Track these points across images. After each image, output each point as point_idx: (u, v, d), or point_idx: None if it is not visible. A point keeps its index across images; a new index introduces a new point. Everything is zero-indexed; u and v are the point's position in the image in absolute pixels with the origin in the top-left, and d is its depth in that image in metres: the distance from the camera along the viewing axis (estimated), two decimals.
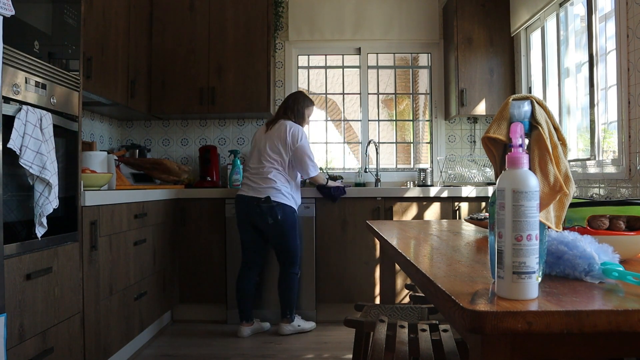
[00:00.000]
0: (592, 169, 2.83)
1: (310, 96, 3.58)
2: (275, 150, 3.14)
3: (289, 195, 3.14)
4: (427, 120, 4.34)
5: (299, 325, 3.25)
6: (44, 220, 1.80)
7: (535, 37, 3.65)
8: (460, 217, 3.47)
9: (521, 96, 1.04)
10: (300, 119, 3.26)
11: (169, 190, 3.32)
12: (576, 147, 3.16)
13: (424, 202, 3.48)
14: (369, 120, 4.26)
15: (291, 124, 3.19)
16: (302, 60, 4.31)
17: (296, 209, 3.20)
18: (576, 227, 1.16)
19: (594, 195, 2.72)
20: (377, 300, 3.45)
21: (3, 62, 1.62)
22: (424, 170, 3.97)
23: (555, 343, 0.80)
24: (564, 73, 3.23)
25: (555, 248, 0.98)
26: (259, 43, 3.78)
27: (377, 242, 3.35)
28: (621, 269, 0.91)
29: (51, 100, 1.94)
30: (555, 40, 3.29)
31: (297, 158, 3.15)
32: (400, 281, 3.38)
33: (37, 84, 1.84)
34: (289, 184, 3.16)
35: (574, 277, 0.96)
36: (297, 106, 3.25)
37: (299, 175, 3.25)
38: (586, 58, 2.89)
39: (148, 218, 2.95)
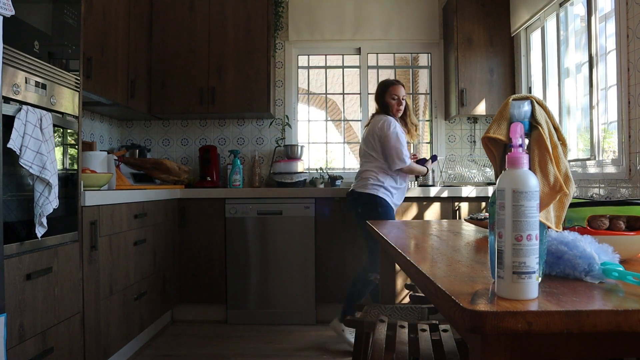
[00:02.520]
0: (592, 169, 2.83)
1: (310, 96, 3.55)
2: (369, 145, 3.09)
3: (378, 187, 3.01)
4: (427, 120, 4.34)
5: (342, 331, 3.00)
6: (44, 220, 1.80)
7: (535, 37, 3.65)
8: (460, 217, 3.47)
9: (521, 96, 1.04)
10: (386, 109, 3.09)
11: (169, 190, 3.32)
12: (576, 147, 3.16)
13: (424, 202, 3.48)
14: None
15: (380, 117, 3.08)
16: (302, 60, 4.31)
17: (389, 202, 3.01)
18: (576, 227, 1.16)
19: (594, 195, 2.72)
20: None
21: (3, 62, 1.62)
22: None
23: (555, 343, 0.80)
24: (564, 73, 3.23)
25: (555, 248, 0.98)
26: (259, 43, 3.78)
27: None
28: (621, 269, 0.91)
29: (51, 100, 1.94)
30: (555, 40, 3.29)
31: (383, 151, 3.03)
32: (400, 281, 3.38)
33: (37, 84, 1.84)
34: (385, 177, 3.04)
35: (574, 277, 0.96)
36: (377, 98, 3.14)
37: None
38: (586, 58, 2.89)
39: (148, 218, 2.95)
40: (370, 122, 3.14)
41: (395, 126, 3.01)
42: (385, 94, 3.08)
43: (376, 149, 3.03)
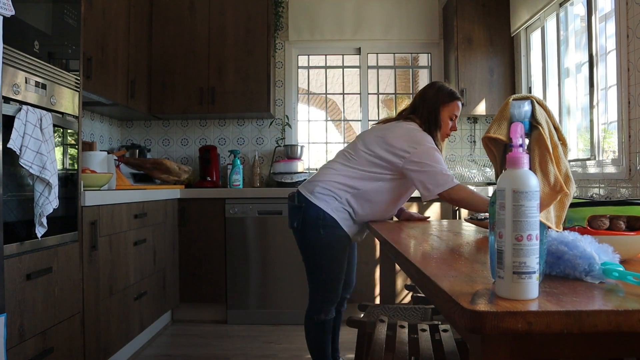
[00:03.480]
0: (592, 169, 2.83)
1: (310, 96, 3.45)
2: (370, 145, 2.27)
3: (331, 198, 2.25)
4: None
5: None
6: (44, 220, 1.80)
7: (535, 37, 3.65)
8: (460, 217, 3.46)
9: (521, 96, 1.04)
10: (433, 124, 2.20)
11: (169, 190, 3.32)
12: (576, 147, 3.16)
13: (424, 202, 3.48)
14: (369, 120, 4.26)
15: (413, 126, 2.19)
16: (302, 60, 4.31)
17: (342, 226, 2.19)
18: (576, 227, 1.16)
19: (594, 195, 2.72)
20: (377, 301, 3.45)
21: (3, 62, 1.62)
22: None
23: (555, 343, 0.80)
24: (564, 73, 3.23)
25: (555, 248, 0.98)
26: (259, 43, 3.78)
27: (377, 242, 3.35)
28: (621, 269, 0.91)
29: (51, 100, 1.94)
30: (555, 40, 3.29)
31: (406, 169, 2.14)
32: (400, 281, 3.38)
33: (37, 84, 1.84)
34: (352, 190, 2.25)
35: (574, 277, 0.96)
36: (427, 103, 2.22)
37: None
38: (586, 58, 2.89)
39: (148, 218, 2.94)
40: (389, 123, 2.21)
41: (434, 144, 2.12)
42: (445, 107, 2.16)
43: (380, 156, 2.09)
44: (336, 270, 2.14)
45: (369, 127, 2.28)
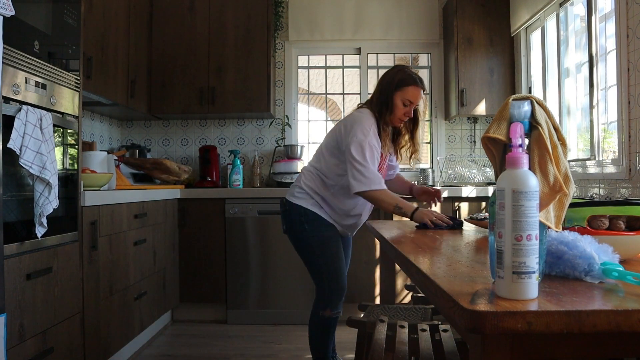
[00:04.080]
0: (592, 169, 2.83)
1: (310, 96, 3.44)
2: (329, 141, 2.38)
3: (307, 195, 2.37)
4: (427, 120, 4.33)
5: None
6: (44, 220, 1.80)
7: (535, 37, 3.65)
8: (460, 217, 3.46)
9: (521, 96, 1.04)
10: (383, 107, 2.21)
11: (169, 190, 3.32)
12: (576, 147, 3.16)
13: (424, 202, 3.48)
14: None
15: (363, 112, 2.24)
16: (302, 60, 4.31)
17: (326, 218, 2.29)
18: (576, 227, 1.16)
19: (594, 195, 2.72)
20: (377, 301, 3.45)
21: (3, 62, 1.62)
22: (424, 170, 3.97)
23: (555, 343, 0.80)
24: (564, 73, 3.23)
25: (555, 248, 0.98)
26: (259, 43, 3.78)
27: (377, 242, 3.35)
28: (621, 269, 0.91)
29: (51, 100, 1.94)
30: (555, 40, 3.29)
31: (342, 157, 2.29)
32: (400, 281, 3.38)
33: (37, 84, 1.84)
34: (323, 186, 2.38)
35: (574, 277, 0.96)
36: (381, 87, 2.25)
37: None
38: (586, 58, 2.89)
39: (148, 218, 2.94)
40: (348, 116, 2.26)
41: (372, 132, 2.12)
42: (397, 91, 2.14)
43: (336, 149, 2.19)
44: (332, 261, 2.18)
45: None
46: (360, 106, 2.28)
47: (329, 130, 2.30)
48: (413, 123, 2.28)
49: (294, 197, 2.24)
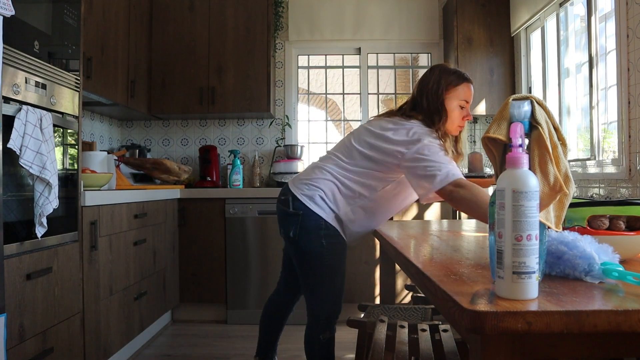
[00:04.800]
0: (592, 169, 2.83)
1: (310, 96, 3.40)
2: (363, 143, 1.99)
3: (327, 207, 1.99)
4: None
5: None
6: (44, 220, 1.80)
7: (535, 37, 3.65)
8: (460, 217, 3.46)
9: (521, 96, 1.04)
10: (436, 117, 1.87)
11: (169, 190, 3.32)
12: (576, 147, 3.16)
13: (423, 202, 3.48)
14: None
15: (413, 123, 1.86)
16: (302, 60, 4.31)
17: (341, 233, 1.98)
18: (576, 227, 1.16)
19: (594, 195, 2.72)
20: (377, 301, 3.45)
21: (3, 62, 1.62)
22: None
23: (555, 343, 0.80)
24: (564, 73, 3.23)
25: (555, 248, 0.98)
26: (259, 43, 3.78)
27: (377, 242, 3.35)
28: (621, 269, 0.91)
29: (51, 100, 1.94)
30: (555, 40, 3.29)
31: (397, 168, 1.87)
32: (400, 281, 3.38)
33: (37, 84, 1.84)
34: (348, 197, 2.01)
35: (574, 277, 0.96)
36: (428, 92, 1.89)
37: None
38: (586, 58, 2.89)
39: (148, 218, 2.94)
40: (386, 120, 1.90)
41: (437, 139, 1.79)
42: (450, 94, 1.85)
43: (375, 157, 1.83)
44: (340, 281, 1.94)
45: (365, 123, 1.99)
46: (403, 115, 1.88)
47: (361, 130, 1.93)
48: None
49: (313, 204, 1.85)
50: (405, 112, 1.90)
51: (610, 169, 2.62)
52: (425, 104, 1.84)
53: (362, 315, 1.92)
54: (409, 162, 1.73)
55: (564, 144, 1.06)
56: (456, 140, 1.93)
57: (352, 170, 1.86)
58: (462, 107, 1.84)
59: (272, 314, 2.25)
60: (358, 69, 4.27)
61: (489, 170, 4.02)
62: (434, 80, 1.85)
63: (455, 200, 1.61)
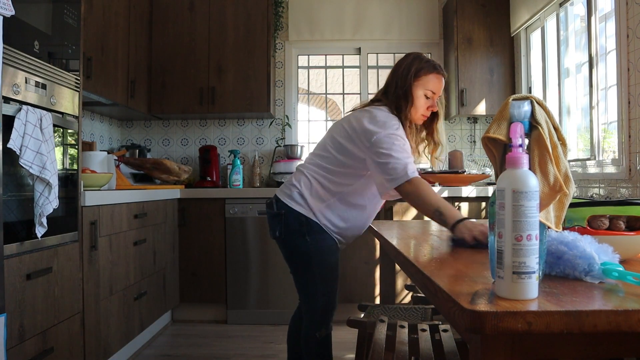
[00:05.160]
0: (592, 169, 2.83)
1: (310, 96, 3.39)
2: (336, 138, 2.03)
3: (307, 204, 2.04)
4: None
5: None
6: (44, 220, 1.80)
7: (535, 37, 3.65)
8: None
9: (521, 96, 1.04)
10: (403, 104, 1.90)
11: (169, 190, 3.32)
12: (576, 147, 3.16)
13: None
14: None
15: (380, 110, 1.90)
16: (302, 60, 4.31)
17: (330, 232, 1.97)
18: (576, 227, 1.16)
19: (594, 195, 2.72)
20: (377, 301, 3.45)
21: (3, 62, 1.62)
22: (423, 170, 3.97)
23: (555, 343, 0.80)
24: (564, 73, 3.23)
25: (555, 248, 0.98)
26: (259, 43, 3.78)
27: (377, 242, 3.35)
28: (621, 269, 0.91)
29: (51, 100, 1.94)
30: (555, 40, 3.29)
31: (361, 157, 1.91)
32: (400, 281, 3.38)
33: (37, 84, 1.84)
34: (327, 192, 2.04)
35: (574, 277, 0.96)
36: (397, 79, 1.91)
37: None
38: (586, 58, 2.89)
39: (148, 218, 2.94)
40: (356, 111, 1.95)
41: (400, 128, 1.83)
42: (418, 81, 1.86)
43: (346, 149, 1.86)
44: (331, 277, 1.93)
45: (342, 118, 2.00)
46: (372, 102, 1.95)
47: (334, 124, 1.98)
48: (432, 116, 1.94)
49: (292, 201, 1.91)
50: (375, 97, 1.95)
51: (610, 169, 2.62)
52: (394, 87, 1.88)
53: (362, 315, 1.92)
54: (370, 157, 1.77)
55: (564, 144, 1.06)
56: (432, 131, 1.96)
57: (327, 167, 1.89)
58: (427, 97, 1.87)
59: (292, 326, 2.22)
60: (358, 69, 4.28)
61: (489, 170, 4.02)
62: (405, 65, 1.88)
63: (405, 197, 1.71)
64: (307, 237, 1.88)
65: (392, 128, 1.78)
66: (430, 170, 1.89)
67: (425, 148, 1.99)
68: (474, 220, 1.55)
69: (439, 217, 1.58)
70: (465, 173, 2.11)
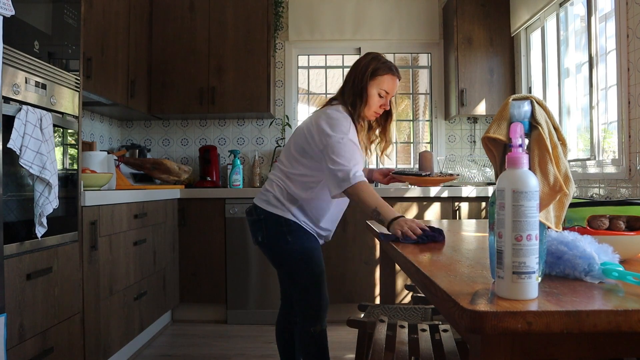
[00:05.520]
0: (592, 169, 2.83)
1: (310, 96, 3.39)
2: (298, 143, 2.14)
3: (283, 204, 2.13)
4: (427, 121, 4.34)
5: None
6: (44, 220, 1.80)
7: (535, 37, 3.65)
8: (460, 218, 3.47)
9: (521, 96, 1.04)
10: (357, 100, 2.01)
11: (169, 190, 3.32)
12: (576, 147, 3.16)
13: (424, 202, 3.48)
14: None
15: (335, 109, 2.01)
16: (302, 60, 4.31)
17: (308, 229, 2.06)
18: (576, 227, 1.16)
19: (594, 195, 2.72)
20: (377, 301, 3.45)
21: (3, 62, 1.62)
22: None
23: (555, 343, 0.80)
24: (564, 73, 3.23)
25: (555, 248, 0.98)
26: (259, 43, 3.78)
27: (377, 242, 3.35)
28: (621, 269, 0.91)
29: (51, 100, 1.94)
30: (555, 40, 3.29)
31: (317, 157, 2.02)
32: (400, 281, 3.38)
33: (37, 84, 1.84)
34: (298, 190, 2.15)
35: (574, 277, 0.96)
36: (354, 78, 2.02)
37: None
38: (586, 58, 2.89)
39: (148, 218, 2.94)
40: (314, 113, 2.07)
41: (352, 130, 1.93)
42: (371, 81, 1.97)
43: (307, 152, 1.96)
44: (317, 271, 1.99)
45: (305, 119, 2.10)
46: (331, 100, 2.06)
47: (297, 130, 2.07)
48: (385, 116, 2.08)
49: (269, 205, 1.97)
50: (334, 96, 2.07)
51: (610, 169, 2.62)
52: (350, 85, 1.99)
53: (362, 315, 1.92)
54: (325, 160, 1.87)
55: (564, 144, 1.06)
56: (384, 130, 2.10)
57: (292, 172, 1.99)
58: (381, 96, 1.98)
59: (279, 330, 2.24)
60: None
61: (488, 170, 4.02)
62: (364, 64, 1.99)
63: (349, 198, 1.87)
64: (288, 237, 1.96)
65: (344, 131, 1.88)
66: (400, 171, 2.01)
67: (377, 146, 2.14)
68: (407, 217, 1.68)
69: (377, 216, 1.74)
70: (431, 176, 2.15)
